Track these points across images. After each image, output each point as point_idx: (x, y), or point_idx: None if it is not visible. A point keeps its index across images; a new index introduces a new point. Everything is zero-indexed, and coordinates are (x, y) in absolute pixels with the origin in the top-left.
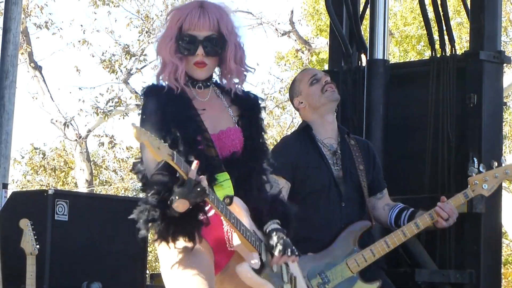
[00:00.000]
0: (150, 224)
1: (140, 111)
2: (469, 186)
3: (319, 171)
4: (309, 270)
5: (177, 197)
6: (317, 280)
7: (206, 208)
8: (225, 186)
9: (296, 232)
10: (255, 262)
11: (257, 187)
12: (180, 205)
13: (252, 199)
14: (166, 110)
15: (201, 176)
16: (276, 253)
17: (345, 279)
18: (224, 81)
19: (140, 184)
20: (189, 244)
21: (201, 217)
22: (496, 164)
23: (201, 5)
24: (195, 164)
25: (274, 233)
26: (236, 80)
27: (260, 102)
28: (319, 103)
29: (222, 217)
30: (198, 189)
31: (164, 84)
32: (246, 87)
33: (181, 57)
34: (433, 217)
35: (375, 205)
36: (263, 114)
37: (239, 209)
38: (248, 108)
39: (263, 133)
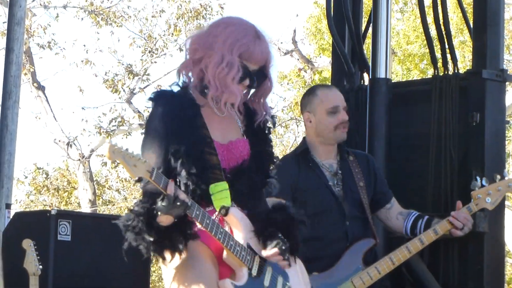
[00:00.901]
0: (134, 236)
1: (145, 123)
2: (472, 200)
3: (319, 193)
4: None
5: (159, 213)
6: None
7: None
8: (222, 196)
9: (302, 252)
10: (241, 275)
11: (260, 198)
12: (163, 219)
13: (256, 210)
14: (173, 118)
15: (179, 191)
16: (268, 247)
17: None
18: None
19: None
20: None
21: (188, 231)
22: (499, 177)
23: (257, 36)
24: (171, 181)
25: (273, 240)
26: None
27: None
28: (326, 136)
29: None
30: (178, 203)
31: (174, 89)
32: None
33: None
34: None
35: (387, 215)
36: (270, 123)
37: (236, 220)
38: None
39: (269, 140)
